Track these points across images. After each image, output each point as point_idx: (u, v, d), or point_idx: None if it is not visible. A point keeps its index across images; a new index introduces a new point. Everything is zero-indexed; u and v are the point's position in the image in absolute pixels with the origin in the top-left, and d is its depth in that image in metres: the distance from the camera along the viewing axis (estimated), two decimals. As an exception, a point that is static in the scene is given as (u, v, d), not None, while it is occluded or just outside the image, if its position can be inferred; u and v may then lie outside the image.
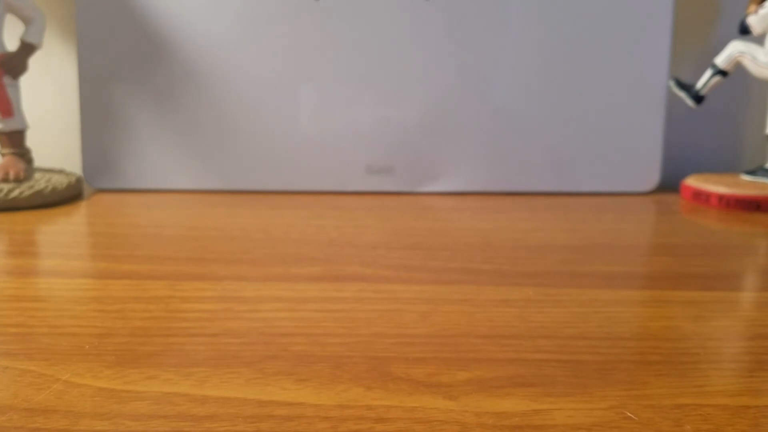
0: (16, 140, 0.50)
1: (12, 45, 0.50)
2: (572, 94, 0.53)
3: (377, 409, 0.19)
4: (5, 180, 0.48)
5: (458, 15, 0.52)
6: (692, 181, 0.52)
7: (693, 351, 0.23)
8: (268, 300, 0.28)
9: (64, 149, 0.61)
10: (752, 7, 0.50)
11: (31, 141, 0.52)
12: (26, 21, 0.50)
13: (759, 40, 0.50)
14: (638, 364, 0.22)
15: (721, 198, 0.49)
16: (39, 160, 0.54)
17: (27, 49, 0.50)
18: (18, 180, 0.48)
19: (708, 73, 0.52)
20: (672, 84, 0.54)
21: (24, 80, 0.51)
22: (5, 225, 0.42)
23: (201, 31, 0.52)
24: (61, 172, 0.54)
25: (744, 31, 0.51)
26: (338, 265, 0.33)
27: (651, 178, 0.54)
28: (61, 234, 0.40)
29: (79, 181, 0.52)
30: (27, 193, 0.46)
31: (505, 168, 0.54)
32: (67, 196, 0.49)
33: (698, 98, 0.53)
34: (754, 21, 0.50)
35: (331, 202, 0.50)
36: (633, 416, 0.19)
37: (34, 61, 0.51)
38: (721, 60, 0.51)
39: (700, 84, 0.53)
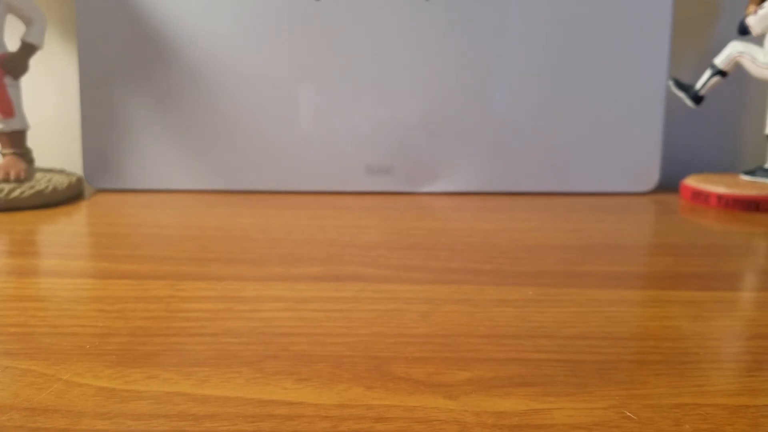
0: (16, 140, 0.50)
1: (13, 45, 0.50)
2: (572, 94, 0.53)
3: (377, 408, 0.19)
4: (6, 180, 0.48)
5: (458, 15, 0.52)
6: (691, 181, 0.52)
7: (692, 351, 0.23)
8: (268, 300, 0.28)
9: (65, 149, 0.61)
10: (751, 8, 0.50)
11: (31, 141, 0.52)
12: (27, 22, 0.50)
13: (758, 41, 0.50)
14: (638, 363, 0.22)
15: (721, 198, 0.49)
16: (40, 160, 0.54)
17: (28, 49, 0.50)
18: (19, 180, 0.48)
19: (707, 73, 0.52)
20: (671, 84, 0.54)
21: (25, 80, 0.51)
22: (6, 225, 0.42)
23: (201, 31, 0.52)
24: (61, 172, 0.54)
25: (743, 31, 0.51)
26: (338, 265, 0.33)
27: (650, 178, 0.54)
28: (62, 234, 0.40)
29: (79, 181, 0.52)
30: (28, 193, 0.46)
31: (505, 168, 0.54)
32: (68, 196, 0.50)
33: (697, 98, 0.53)
34: (753, 21, 0.50)
35: (331, 202, 0.50)
36: (632, 416, 0.19)
37: (34, 62, 0.51)
38: (720, 60, 0.52)
39: (699, 84, 0.53)
